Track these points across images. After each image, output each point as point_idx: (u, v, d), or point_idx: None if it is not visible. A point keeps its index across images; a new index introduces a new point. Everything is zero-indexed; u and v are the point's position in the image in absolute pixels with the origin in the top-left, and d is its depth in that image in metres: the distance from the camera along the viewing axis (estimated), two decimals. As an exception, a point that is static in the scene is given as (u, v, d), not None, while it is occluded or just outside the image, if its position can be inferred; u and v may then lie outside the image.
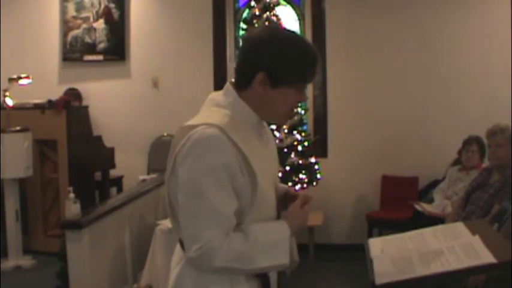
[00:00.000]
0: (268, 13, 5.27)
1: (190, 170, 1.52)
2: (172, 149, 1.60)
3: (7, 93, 5.34)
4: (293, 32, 1.71)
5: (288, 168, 5.11)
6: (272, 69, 1.58)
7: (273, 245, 1.58)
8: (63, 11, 6.30)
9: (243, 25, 5.61)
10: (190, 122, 1.59)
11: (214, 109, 1.62)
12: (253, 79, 1.59)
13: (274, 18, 5.31)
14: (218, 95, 1.67)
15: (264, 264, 1.57)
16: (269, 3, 5.30)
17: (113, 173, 6.04)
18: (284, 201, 1.77)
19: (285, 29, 1.99)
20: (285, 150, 5.14)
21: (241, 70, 1.64)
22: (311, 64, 1.64)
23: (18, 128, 5.21)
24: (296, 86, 1.62)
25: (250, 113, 1.63)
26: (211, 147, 1.51)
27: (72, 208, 4.19)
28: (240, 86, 1.63)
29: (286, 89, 1.60)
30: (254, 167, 1.56)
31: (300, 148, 5.20)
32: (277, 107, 1.63)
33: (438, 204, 4.59)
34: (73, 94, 6.09)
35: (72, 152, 5.48)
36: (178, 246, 1.71)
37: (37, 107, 5.55)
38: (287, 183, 5.04)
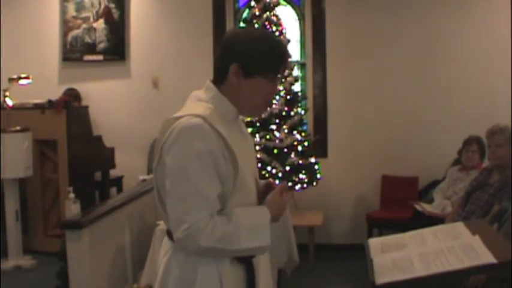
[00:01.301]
0: (268, 13, 5.27)
1: (177, 156, 1.63)
2: (159, 140, 1.71)
3: (7, 93, 5.34)
4: (264, 30, 1.85)
5: (288, 168, 5.11)
6: (244, 59, 1.71)
7: (255, 227, 1.67)
8: (63, 11, 6.30)
9: (243, 25, 5.61)
10: (175, 115, 1.71)
11: (198, 103, 1.74)
12: (228, 71, 1.72)
13: (274, 18, 5.31)
14: (200, 92, 1.80)
15: (247, 245, 1.66)
16: (269, 3, 5.31)
17: (113, 173, 6.04)
18: (264, 194, 1.85)
19: (256, 28, 2.15)
20: (285, 150, 5.14)
21: (218, 65, 1.77)
22: (279, 56, 1.77)
23: (18, 128, 5.21)
24: (267, 76, 1.74)
25: (230, 106, 1.75)
26: (196, 134, 1.63)
27: (72, 208, 4.18)
28: (218, 80, 1.77)
29: (259, 79, 1.73)
30: (236, 153, 1.66)
31: (300, 148, 5.20)
32: (252, 98, 1.75)
33: (438, 204, 4.59)
34: (72, 94, 6.08)
35: (72, 152, 5.48)
36: (166, 238, 1.80)
37: (37, 107, 5.55)
38: (287, 183, 5.04)
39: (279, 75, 1.80)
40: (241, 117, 1.84)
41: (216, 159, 1.63)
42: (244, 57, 1.71)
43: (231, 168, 1.65)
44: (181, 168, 1.62)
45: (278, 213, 1.77)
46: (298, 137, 5.22)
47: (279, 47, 1.77)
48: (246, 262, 1.74)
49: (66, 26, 6.30)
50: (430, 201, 4.80)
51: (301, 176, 5.17)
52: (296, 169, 5.15)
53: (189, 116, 1.66)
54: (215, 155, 1.63)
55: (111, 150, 5.98)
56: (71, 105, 5.63)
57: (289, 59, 1.90)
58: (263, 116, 5.12)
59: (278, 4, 5.55)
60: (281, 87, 5.21)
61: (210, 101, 1.74)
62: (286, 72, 5.29)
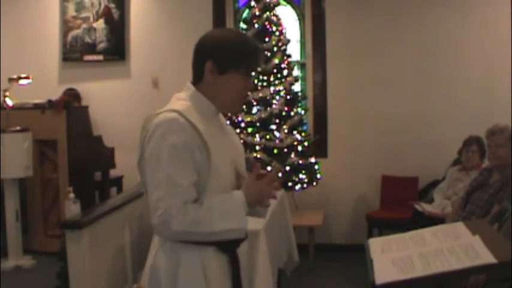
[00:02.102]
0: (268, 13, 5.27)
1: (153, 148, 1.74)
2: (140, 136, 1.84)
3: (7, 93, 5.35)
4: (237, 30, 1.94)
5: (288, 168, 5.11)
6: (217, 57, 1.81)
7: (228, 209, 1.75)
8: (63, 11, 6.30)
9: (243, 25, 5.61)
10: (154, 112, 1.82)
11: (177, 102, 1.85)
12: (203, 70, 1.83)
13: (274, 18, 5.31)
14: (181, 93, 1.90)
15: (220, 227, 1.73)
16: (269, 3, 5.31)
17: (113, 173, 6.04)
18: None
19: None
20: (285, 150, 5.14)
21: (194, 65, 1.88)
22: (249, 51, 1.85)
23: (18, 128, 5.22)
24: (240, 72, 1.83)
25: (208, 103, 1.85)
26: (172, 127, 1.73)
27: (72, 208, 4.19)
28: (195, 80, 1.87)
29: (232, 75, 1.82)
30: (208, 143, 1.74)
31: (300, 148, 5.20)
32: (228, 94, 1.85)
33: (438, 204, 4.59)
34: (72, 94, 6.09)
35: (72, 152, 5.48)
36: (155, 234, 1.89)
37: (37, 107, 5.56)
38: (287, 183, 5.05)
39: (253, 71, 1.90)
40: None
41: (191, 149, 1.72)
42: (217, 54, 1.81)
43: (206, 157, 1.74)
44: (157, 158, 1.72)
45: (255, 198, 1.81)
46: (298, 137, 5.22)
47: (249, 43, 1.86)
48: (230, 252, 1.80)
49: (66, 26, 6.30)
50: (430, 201, 4.80)
51: (301, 176, 5.17)
52: (296, 169, 5.15)
53: (166, 112, 1.77)
54: (190, 146, 1.72)
55: (111, 150, 5.98)
56: (71, 105, 5.64)
57: (261, 58, 2.02)
58: (263, 115, 5.12)
59: (278, 4, 5.56)
60: (281, 87, 5.21)
61: (188, 99, 1.84)
62: (286, 72, 5.30)
